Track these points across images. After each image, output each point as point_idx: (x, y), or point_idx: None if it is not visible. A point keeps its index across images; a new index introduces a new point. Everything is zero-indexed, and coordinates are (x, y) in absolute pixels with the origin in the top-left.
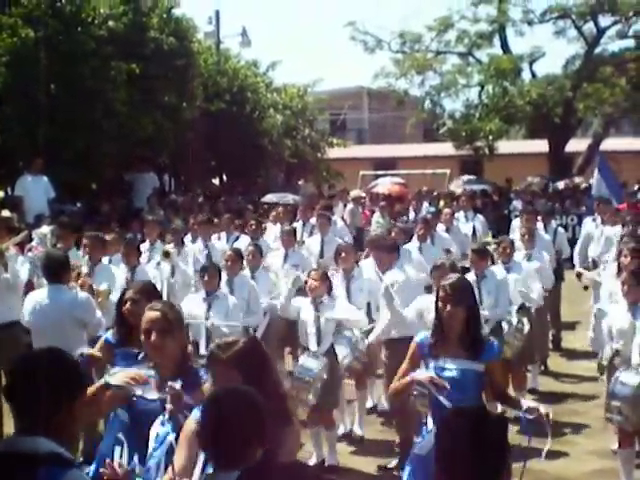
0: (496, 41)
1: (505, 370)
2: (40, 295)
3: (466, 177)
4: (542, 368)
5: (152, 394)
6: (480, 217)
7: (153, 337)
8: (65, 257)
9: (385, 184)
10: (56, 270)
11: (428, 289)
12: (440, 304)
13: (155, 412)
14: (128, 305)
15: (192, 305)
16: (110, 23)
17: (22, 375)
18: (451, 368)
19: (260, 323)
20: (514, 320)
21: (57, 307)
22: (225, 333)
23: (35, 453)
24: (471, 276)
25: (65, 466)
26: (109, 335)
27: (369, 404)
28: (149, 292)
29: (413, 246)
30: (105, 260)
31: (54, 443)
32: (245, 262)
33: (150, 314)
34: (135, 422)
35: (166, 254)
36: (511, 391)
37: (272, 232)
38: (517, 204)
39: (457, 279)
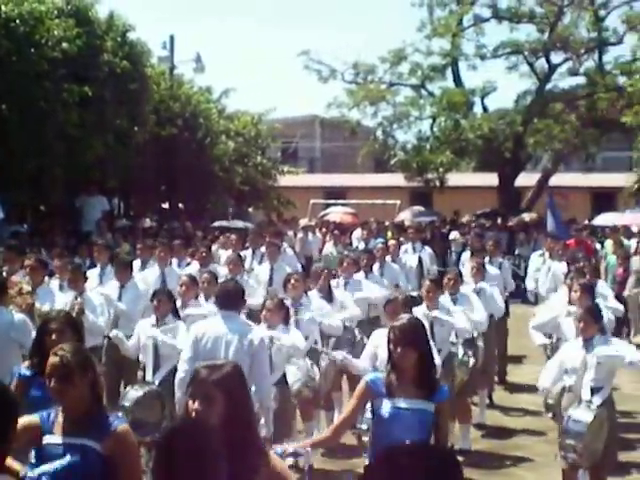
0: (449, 74)
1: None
2: None
3: (416, 208)
4: (488, 402)
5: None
6: (428, 249)
7: (52, 383)
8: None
9: (337, 213)
10: None
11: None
12: (391, 346)
13: None
14: (54, 337)
15: (142, 332)
16: (64, 45)
17: None
18: (406, 408)
19: None
20: (460, 353)
21: None
22: (173, 361)
23: None
24: (423, 309)
25: None
26: (22, 369)
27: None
28: (72, 323)
29: (360, 277)
30: (54, 284)
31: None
32: (200, 289)
33: (51, 359)
34: None
35: None
36: (456, 424)
37: (222, 258)
38: (455, 234)
39: (407, 320)
